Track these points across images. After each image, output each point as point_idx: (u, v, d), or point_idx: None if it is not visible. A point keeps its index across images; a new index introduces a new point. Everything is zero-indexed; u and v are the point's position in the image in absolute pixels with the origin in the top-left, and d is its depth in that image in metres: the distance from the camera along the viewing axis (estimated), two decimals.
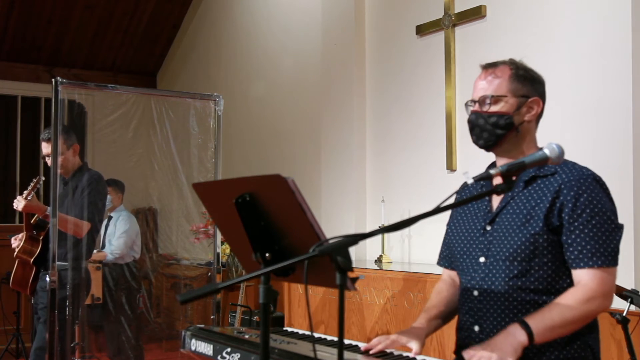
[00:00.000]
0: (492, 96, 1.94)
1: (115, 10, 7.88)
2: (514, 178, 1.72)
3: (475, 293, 1.95)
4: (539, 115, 1.99)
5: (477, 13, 4.45)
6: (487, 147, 1.99)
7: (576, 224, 1.82)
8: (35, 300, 4.34)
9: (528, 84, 1.97)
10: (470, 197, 1.80)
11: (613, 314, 2.65)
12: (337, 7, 5.56)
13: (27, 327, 5.99)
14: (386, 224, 4.71)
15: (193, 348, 2.13)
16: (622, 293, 2.67)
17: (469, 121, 2.00)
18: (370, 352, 1.94)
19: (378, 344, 1.95)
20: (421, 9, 4.90)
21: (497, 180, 1.94)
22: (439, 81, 4.69)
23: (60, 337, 4.03)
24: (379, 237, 4.89)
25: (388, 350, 1.94)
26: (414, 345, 1.93)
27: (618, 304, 2.73)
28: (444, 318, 2.11)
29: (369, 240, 4.65)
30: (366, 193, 5.33)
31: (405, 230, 4.81)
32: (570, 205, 1.83)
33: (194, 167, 5.06)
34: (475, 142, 2.01)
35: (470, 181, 1.75)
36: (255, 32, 7.04)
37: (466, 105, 2.03)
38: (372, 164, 5.31)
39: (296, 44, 6.35)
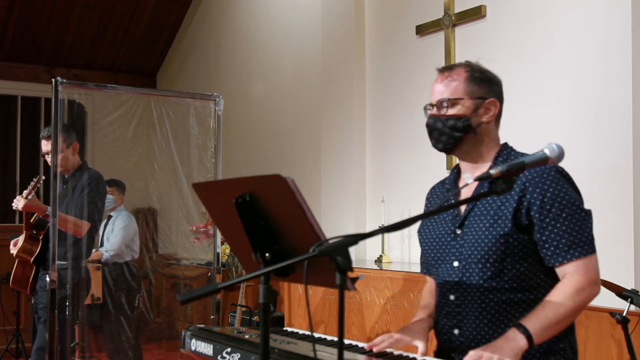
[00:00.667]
0: (449, 99, 1.97)
1: (115, 10, 7.88)
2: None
3: (452, 297, 1.95)
4: (497, 116, 2.00)
5: (477, 13, 4.45)
6: (447, 150, 2.02)
7: (547, 219, 1.82)
8: (35, 300, 4.34)
9: (484, 86, 1.97)
10: (468, 198, 1.79)
11: (613, 314, 2.65)
12: (337, 7, 5.55)
13: (27, 327, 5.98)
14: (386, 224, 4.70)
15: (193, 348, 2.13)
16: (622, 293, 2.67)
17: (427, 125, 2.03)
18: (374, 349, 1.93)
19: (381, 342, 1.93)
20: (421, 9, 4.90)
21: (462, 183, 1.96)
22: None
23: (60, 337, 4.02)
24: (379, 237, 4.89)
25: (389, 350, 1.93)
26: (420, 345, 1.93)
27: (618, 304, 2.73)
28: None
29: (369, 240, 4.65)
30: (366, 193, 5.33)
31: (405, 230, 4.81)
32: (538, 202, 1.83)
33: (194, 167, 5.06)
34: (435, 145, 2.03)
35: (470, 181, 1.75)
36: (255, 32, 7.04)
37: (425, 109, 2.04)
38: (372, 164, 5.31)
39: (296, 44, 6.35)
